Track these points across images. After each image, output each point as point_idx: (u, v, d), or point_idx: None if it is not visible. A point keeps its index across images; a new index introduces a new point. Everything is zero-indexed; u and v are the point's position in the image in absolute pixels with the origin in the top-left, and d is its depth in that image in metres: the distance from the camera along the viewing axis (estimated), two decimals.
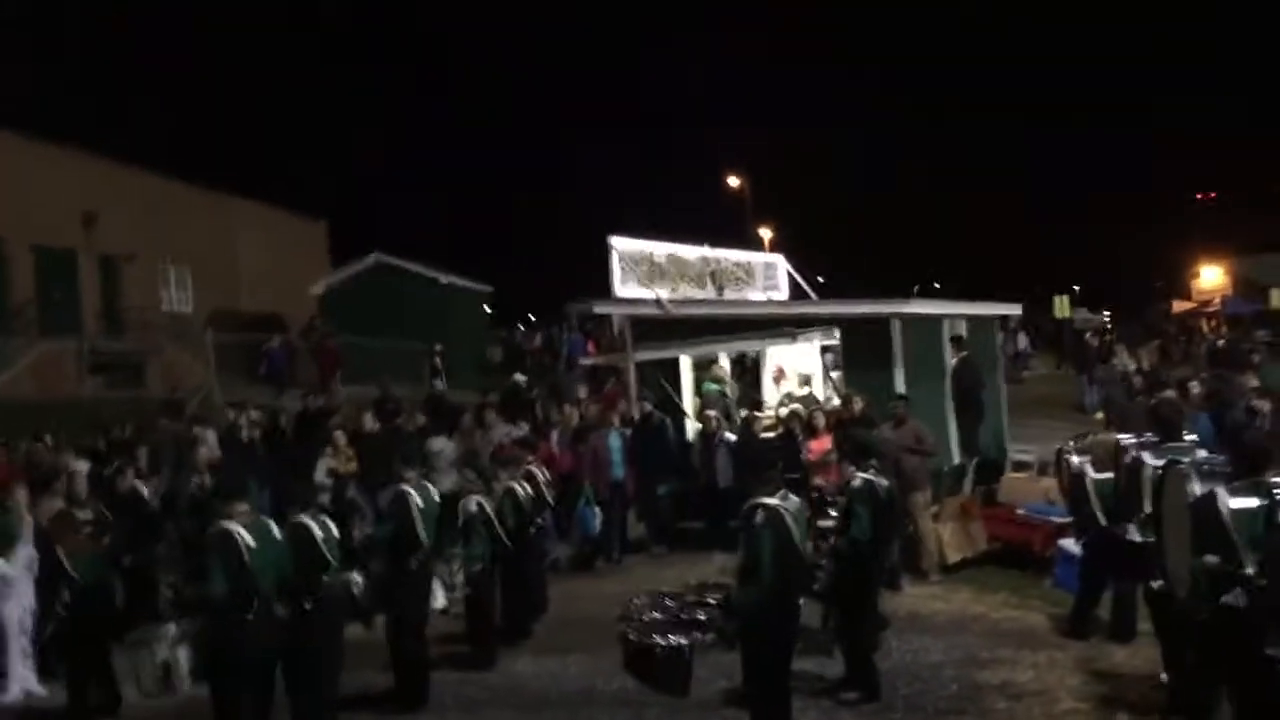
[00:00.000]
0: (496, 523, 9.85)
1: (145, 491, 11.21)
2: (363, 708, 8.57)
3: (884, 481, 8.68)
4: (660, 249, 15.17)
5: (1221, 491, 5.56)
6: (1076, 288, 40.09)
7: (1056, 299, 30.75)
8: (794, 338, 13.98)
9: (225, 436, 14.09)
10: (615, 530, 13.91)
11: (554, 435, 15.09)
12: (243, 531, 6.93)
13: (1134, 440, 7.81)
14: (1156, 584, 6.11)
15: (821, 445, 12.78)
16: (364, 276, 33.11)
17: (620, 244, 14.30)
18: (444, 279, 33.24)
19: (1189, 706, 7.01)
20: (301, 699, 7.60)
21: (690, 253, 15.80)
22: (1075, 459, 9.50)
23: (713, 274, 16.10)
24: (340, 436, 13.47)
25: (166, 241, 30.57)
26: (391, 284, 32.53)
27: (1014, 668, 8.58)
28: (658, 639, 5.83)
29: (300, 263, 36.17)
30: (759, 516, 5.98)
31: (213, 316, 30.22)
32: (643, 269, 14.55)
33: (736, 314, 14.70)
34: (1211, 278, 42.47)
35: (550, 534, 13.10)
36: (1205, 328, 36.94)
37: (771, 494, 6.11)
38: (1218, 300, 38.36)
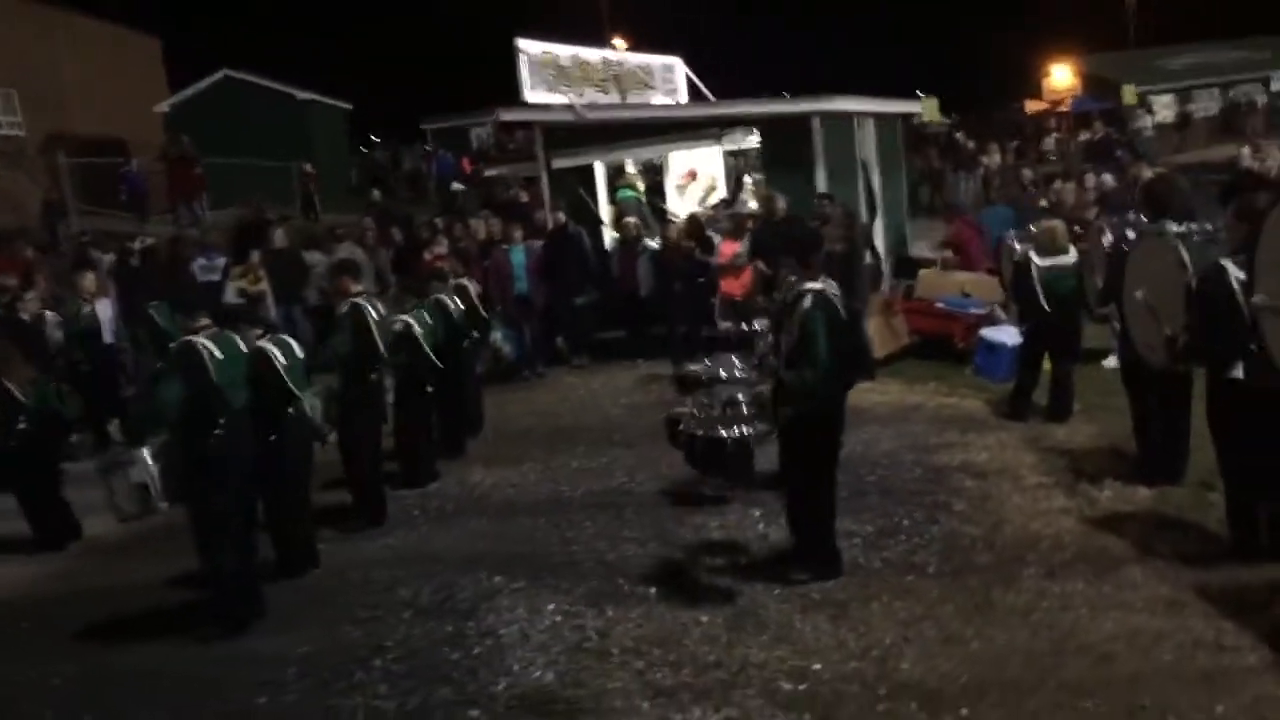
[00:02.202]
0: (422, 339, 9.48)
1: (49, 320, 10.49)
2: (326, 526, 8.36)
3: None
4: (564, 51, 14.56)
5: (1229, 264, 5.71)
6: (919, 91, 40.23)
7: (925, 101, 30.92)
8: (719, 139, 13.74)
9: (117, 265, 13.22)
10: (534, 344, 13.76)
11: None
12: (208, 344, 6.55)
13: (1110, 220, 7.98)
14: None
15: (731, 248, 12.79)
16: (211, 94, 31.05)
17: (527, 47, 13.64)
18: (300, 95, 31.45)
19: (1155, 471, 7.44)
20: (277, 522, 7.43)
21: (593, 55, 15.24)
22: (1018, 246, 9.74)
23: (616, 77, 15.59)
24: (255, 255, 12.83)
25: None
26: (242, 102, 30.60)
27: (967, 450, 8.90)
28: (724, 432, 5.81)
29: (134, 82, 33.49)
30: (807, 301, 5.89)
31: (49, 140, 27.93)
32: (550, 73, 13.96)
33: (658, 117, 14.34)
34: (1062, 77, 43.43)
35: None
36: (1055, 126, 38.05)
37: (814, 279, 6.02)
38: (1068, 100, 39.43)
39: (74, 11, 32.50)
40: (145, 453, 6.65)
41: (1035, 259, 9.28)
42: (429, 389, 9.68)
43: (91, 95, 31.49)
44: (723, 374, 8.75)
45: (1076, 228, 10.33)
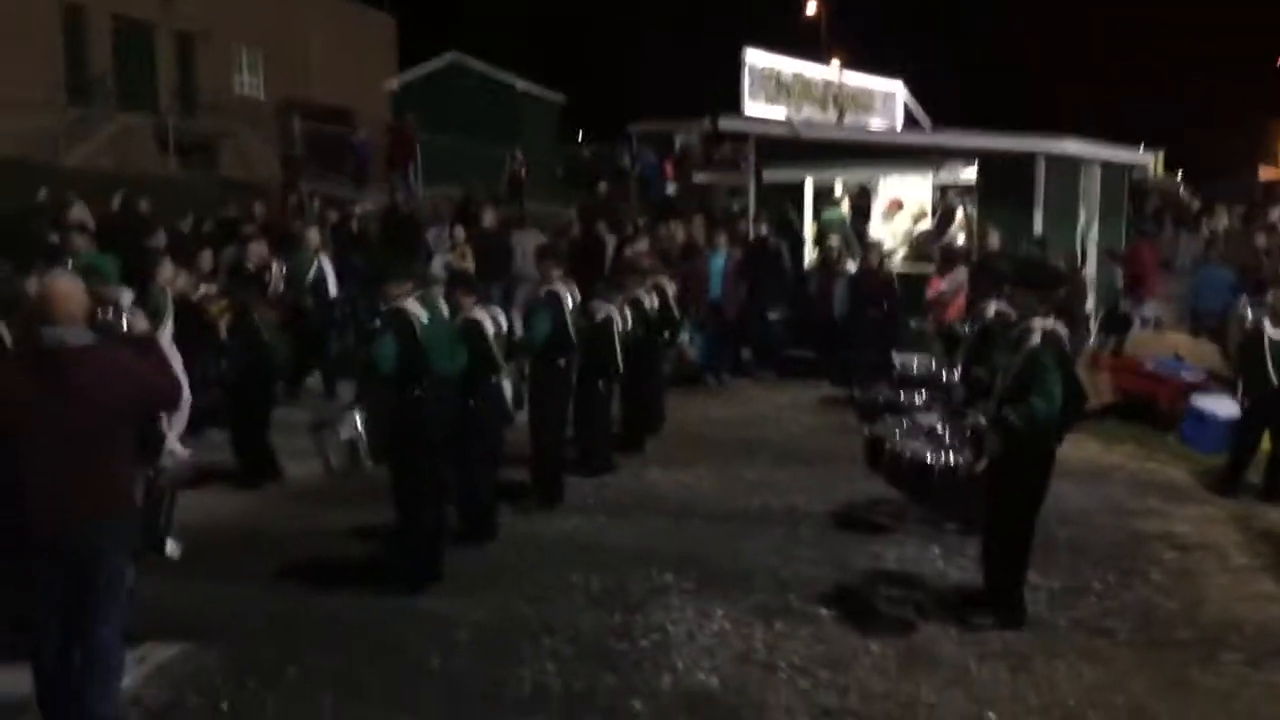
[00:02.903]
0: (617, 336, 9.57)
1: (274, 270, 11.05)
2: (504, 501, 8.53)
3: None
4: (787, 66, 14.50)
5: None
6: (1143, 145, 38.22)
7: (1151, 157, 29.54)
8: (935, 168, 13.44)
9: (336, 229, 13.87)
10: (722, 352, 13.74)
11: None
12: (415, 307, 6.78)
13: None
14: None
15: (938, 283, 12.49)
16: (438, 76, 32.28)
17: (753, 58, 13.65)
18: (520, 85, 32.38)
19: None
20: (465, 489, 7.63)
21: (815, 72, 15.13)
22: (1251, 313, 9.20)
23: (835, 97, 15.45)
24: (460, 232, 13.26)
25: (239, 23, 29.74)
26: (465, 86, 31.74)
27: (1168, 519, 8.45)
28: (933, 457, 5.70)
29: (369, 58, 35.26)
30: (1037, 337, 5.72)
31: (285, 104, 29.58)
32: (771, 86, 13.93)
33: (876, 141, 14.13)
34: None
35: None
36: None
37: (1046, 315, 5.84)
38: None
39: None
40: (355, 411, 6.92)
41: (1268, 329, 8.75)
42: (612, 380, 9.81)
43: (328, 66, 33.30)
44: (911, 403, 8.60)
45: None
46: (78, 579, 4.57)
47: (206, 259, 11.18)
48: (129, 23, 26.15)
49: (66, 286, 4.63)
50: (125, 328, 5.36)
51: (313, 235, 11.84)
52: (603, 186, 21.54)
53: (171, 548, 5.42)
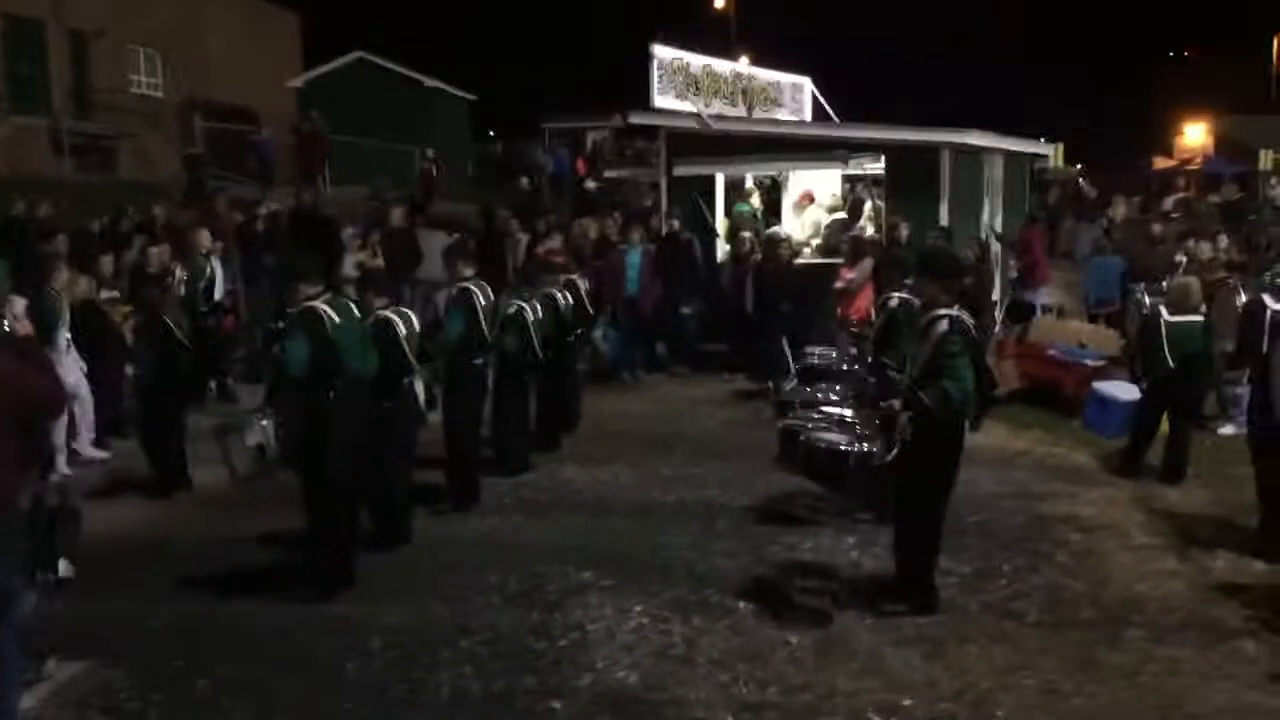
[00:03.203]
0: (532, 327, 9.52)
1: (177, 274, 10.77)
2: (419, 504, 8.42)
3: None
4: (696, 61, 14.56)
5: None
6: (1043, 138, 39.29)
7: (1052, 149, 30.30)
8: (845, 162, 13.61)
9: (241, 229, 13.55)
10: (637, 348, 13.75)
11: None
12: (326, 308, 6.65)
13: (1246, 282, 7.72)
14: None
15: (848, 273, 12.64)
16: (344, 74, 31.80)
17: (661, 53, 13.67)
18: (428, 82, 32.03)
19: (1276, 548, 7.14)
20: (378, 492, 7.51)
21: (724, 67, 15.22)
22: (1148, 300, 9.48)
23: (744, 91, 15.55)
24: (376, 232, 13.08)
25: (135, 21, 28.86)
26: (373, 84, 31.32)
27: (1073, 502, 8.66)
28: (847, 445, 5.74)
29: (271, 56, 34.50)
30: (943, 324, 5.81)
31: (186, 103, 28.83)
32: (680, 81, 13.97)
33: (785, 134, 14.24)
34: (1195, 136, 42.34)
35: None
36: (1184, 185, 36.90)
37: (950, 304, 5.93)
38: (1199, 160, 38.28)
39: None
40: (262, 415, 6.77)
41: (1164, 314, 9.02)
42: (528, 378, 9.75)
43: (230, 65, 32.48)
44: (821, 397, 8.69)
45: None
46: None
47: (108, 263, 10.85)
48: (18, 21, 25.23)
49: None
50: (6, 330, 5.16)
51: (204, 237, 11.55)
52: (523, 182, 21.41)
53: (64, 568, 5.23)
